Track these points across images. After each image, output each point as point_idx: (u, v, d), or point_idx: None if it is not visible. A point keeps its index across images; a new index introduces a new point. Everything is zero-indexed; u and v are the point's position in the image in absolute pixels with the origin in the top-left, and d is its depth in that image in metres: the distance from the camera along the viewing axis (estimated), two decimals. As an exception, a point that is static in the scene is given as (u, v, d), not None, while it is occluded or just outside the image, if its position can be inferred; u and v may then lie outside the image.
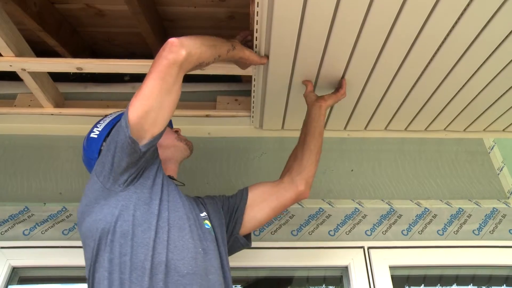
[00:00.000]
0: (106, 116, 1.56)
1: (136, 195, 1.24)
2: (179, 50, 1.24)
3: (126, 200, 1.22)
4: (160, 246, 1.20)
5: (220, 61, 1.47)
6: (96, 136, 1.47)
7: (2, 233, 1.87)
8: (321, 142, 1.63)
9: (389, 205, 2.05)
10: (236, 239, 1.50)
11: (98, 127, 1.49)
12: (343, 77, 1.76)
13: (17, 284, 1.83)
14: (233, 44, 1.51)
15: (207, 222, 1.40)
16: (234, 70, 1.79)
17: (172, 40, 1.25)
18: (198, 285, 1.20)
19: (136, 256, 1.16)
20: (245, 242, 1.54)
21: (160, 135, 1.25)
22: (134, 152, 1.20)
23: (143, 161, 1.25)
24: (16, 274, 1.84)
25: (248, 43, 1.65)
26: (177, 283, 1.17)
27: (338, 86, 1.79)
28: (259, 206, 1.51)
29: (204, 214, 1.42)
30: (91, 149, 1.46)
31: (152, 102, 1.19)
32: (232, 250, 1.53)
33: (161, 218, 1.24)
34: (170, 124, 1.75)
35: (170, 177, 1.45)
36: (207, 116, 2.18)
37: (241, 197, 1.52)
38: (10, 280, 1.79)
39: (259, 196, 1.52)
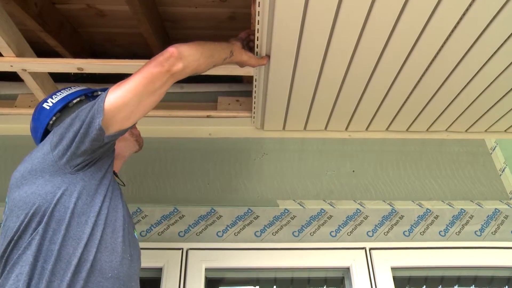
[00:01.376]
0: (64, 88, 1.50)
1: (82, 182, 1.19)
2: (176, 62, 1.23)
3: (72, 185, 1.17)
4: (91, 243, 1.15)
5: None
6: (48, 107, 1.41)
7: (3, 234, 1.87)
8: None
9: (390, 206, 2.04)
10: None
11: (52, 99, 1.43)
12: None
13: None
14: (232, 49, 1.50)
15: (135, 231, 1.38)
16: (236, 71, 1.79)
17: (172, 50, 1.24)
18: None
19: (64, 248, 1.11)
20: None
21: (125, 130, 1.22)
22: (97, 140, 1.15)
23: (100, 151, 1.21)
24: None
25: (250, 44, 1.64)
26: (99, 284, 1.13)
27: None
28: None
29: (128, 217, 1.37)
30: (40, 119, 1.41)
31: (133, 97, 1.17)
32: None
33: (100, 215, 1.20)
34: None
35: (114, 173, 1.41)
36: (208, 116, 2.18)
37: None
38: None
39: None
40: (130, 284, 1.22)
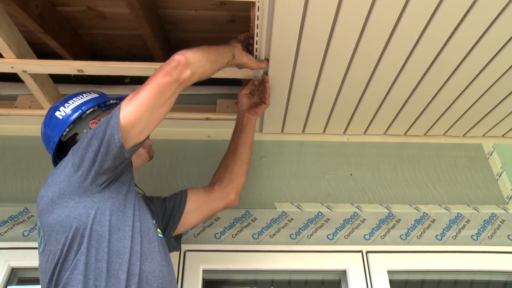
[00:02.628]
0: (75, 94, 1.50)
1: (111, 200, 1.22)
2: (184, 70, 1.24)
3: (102, 203, 1.20)
4: (134, 257, 1.19)
5: None
6: (61, 117, 1.42)
7: (2, 234, 1.88)
8: (251, 152, 1.71)
9: (388, 209, 2.05)
10: (169, 242, 1.52)
11: (65, 107, 1.44)
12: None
13: (16, 285, 1.84)
14: (234, 52, 1.52)
15: (159, 230, 1.39)
16: (235, 74, 1.79)
17: (179, 58, 1.24)
18: None
19: (111, 265, 1.15)
20: (177, 246, 1.59)
21: (142, 143, 1.24)
22: (119, 156, 1.17)
23: (121, 166, 1.23)
24: (15, 275, 1.84)
25: (249, 47, 1.66)
26: None
27: (261, 92, 1.78)
28: (192, 213, 1.56)
29: (154, 221, 1.39)
30: (53, 129, 1.42)
31: (145, 111, 1.18)
32: None
33: (135, 228, 1.23)
34: None
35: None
36: (207, 119, 2.18)
37: (180, 202, 1.55)
38: (9, 281, 1.79)
39: (193, 204, 1.56)
40: None
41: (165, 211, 1.53)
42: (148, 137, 1.51)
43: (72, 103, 1.46)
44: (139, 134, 1.20)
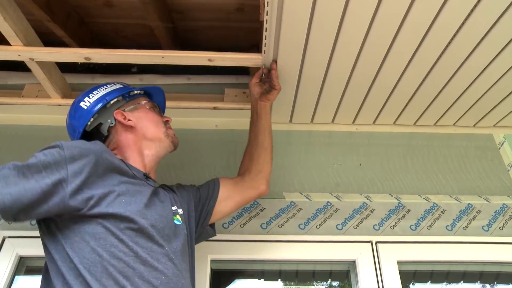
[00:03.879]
0: (100, 86, 1.52)
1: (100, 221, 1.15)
2: None
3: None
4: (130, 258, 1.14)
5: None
6: (85, 107, 1.44)
7: (10, 222, 1.87)
8: (271, 138, 1.74)
9: (397, 199, 2.03)
10: (205, 230, 1.56)
11: (89, 98, 1.46)
12: (272, 69, 1.74)
13: (24, 273, 1.84)
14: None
15: (178, 217, 1.37)
16: (243, 62, 1.78)
17: None
18: None
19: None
20: (213, 232, 1.60)
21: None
22: (63, 208, 1.11)
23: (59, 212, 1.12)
24: (23, 264, 1.84)
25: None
26: None
27: (268, 79, 1.78)
28: (225, 201, 1.58)
29: (175, 208, 1.39)
30: (78, 120, 1.44)
31: None
32: (199, 240, 1.57)
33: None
34: (161, 109, 1.70)
35: (146, 176, 1.37)
36: (215, 108, 2.17)
37: (213, 190, 1.57)
38: (17, 270, 1.79)
39: (225, 192, 1.58)
40: (181, 282, 1.21)
41: (200, 199, 1.54)
42: (169, 127, 1.57)
43: (97, 93, 1.48)
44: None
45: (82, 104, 1.45)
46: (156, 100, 1.67)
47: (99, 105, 1.44)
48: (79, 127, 1.44)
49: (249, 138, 1.77)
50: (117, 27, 2.29)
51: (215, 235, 1.62)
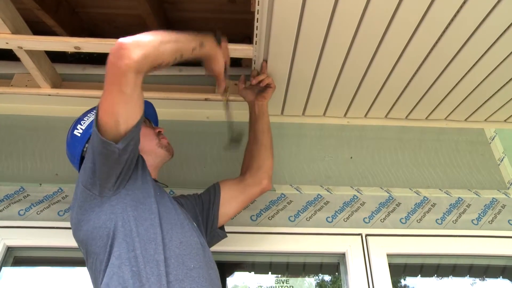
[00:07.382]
0: (89, 111, 1.55)
1: (129, 196, 1.26)
2: (130, 54, 1.13)
3: (121, 203, 1.24)
4: (167, 240, 1.22)
5: (186, 59, 1.35)
6: (79, 135, 1.48)
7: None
8: (271, 136, 1.76)
9: (388, 193, 2.04)
10: (215, 233, 1.59)
11: (81, 125, 1.50)
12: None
13: (12, 264, 1.82)
14: (204, 40, 1.40)
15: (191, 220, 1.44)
16: (234, 53, 1.77)
17: (122, 42, 1.14)
18: (204, 279, 1.22)
19: (146, 251, 1.17)
20: (223, 234, 1.63)
21: (136, 126, 1.23)
22: (112, 153, 1.19)
23: (125, 158, 1.23)
24: (11, 255, 1.83)
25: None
26: (187, 275, 1.19)
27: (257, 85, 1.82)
28: (229, 202, 1.61)
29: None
30: (75, 147, 1.49)
31: (117, 113, 1.19)
32: (212, 243, 1.60)
33: (161, 213, 1.27)
34: (154, 121, 1.76)
35: (155, 180, 1.47)
36: (206, 99, 2.16)
37: (214, 195, 1.60)
38: (4, 261, 1.78)
39: (227, 194, 1.61)
40: (208, 272, 1.28)
41: (203, 205, 1.58)
42: (163, 136, 1.60)
43: (87, 119, 1.51)
44: (125, 126, 1.20)
45: (75, 132, 1.49)
46: (147, 113, 1.66)
47: (91, 130, 1.45)
48: (76, 155, 1.48)
49: (249, 137, 1.79)
50: (108, 17, 2.28)
51: (227, 237, 1.64)
